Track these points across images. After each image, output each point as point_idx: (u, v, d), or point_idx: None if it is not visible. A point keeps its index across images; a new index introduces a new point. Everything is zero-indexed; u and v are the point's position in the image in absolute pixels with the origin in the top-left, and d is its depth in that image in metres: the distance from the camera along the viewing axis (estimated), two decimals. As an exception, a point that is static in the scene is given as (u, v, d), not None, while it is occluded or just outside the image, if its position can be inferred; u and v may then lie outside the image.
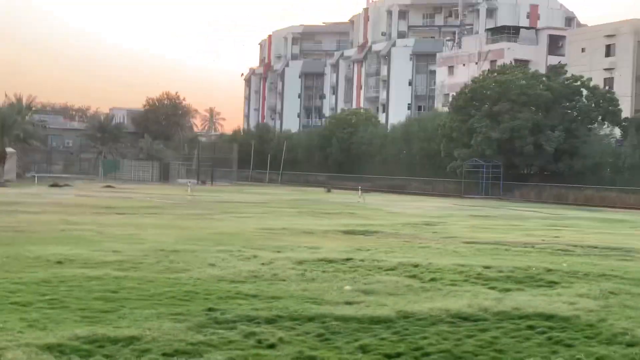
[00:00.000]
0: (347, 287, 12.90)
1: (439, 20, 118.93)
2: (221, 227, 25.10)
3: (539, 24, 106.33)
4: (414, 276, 14.65)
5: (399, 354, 8.66)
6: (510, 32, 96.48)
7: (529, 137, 60.38)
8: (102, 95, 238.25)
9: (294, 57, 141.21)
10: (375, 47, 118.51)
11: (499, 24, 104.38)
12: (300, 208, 38.42)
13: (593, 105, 62.82)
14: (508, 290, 13.23)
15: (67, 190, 53.09)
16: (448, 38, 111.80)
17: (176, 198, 44.35)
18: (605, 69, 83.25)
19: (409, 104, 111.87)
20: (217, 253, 17.19)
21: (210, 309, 10.62)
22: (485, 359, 8.67)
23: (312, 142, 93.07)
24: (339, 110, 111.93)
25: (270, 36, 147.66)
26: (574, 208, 50.96)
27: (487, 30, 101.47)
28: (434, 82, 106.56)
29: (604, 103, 62.60)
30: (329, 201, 48.62)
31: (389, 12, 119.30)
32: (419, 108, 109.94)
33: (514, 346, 9.22)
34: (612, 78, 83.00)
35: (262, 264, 15.64)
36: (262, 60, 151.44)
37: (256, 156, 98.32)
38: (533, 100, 61.13)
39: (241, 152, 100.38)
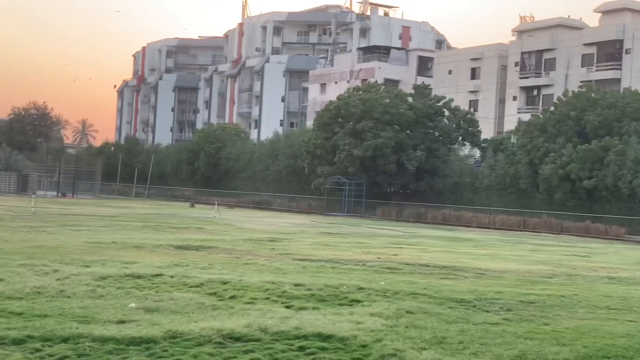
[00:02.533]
0: (132, 305, 12.20)
1: (313, 37, 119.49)
2: (46, 240, 23.94)
3: (411, 45, 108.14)
4: (214, 293, 14.07)
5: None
6: (381, 52, 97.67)
7: (391, 156, 60.81)
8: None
9: (168, 70, 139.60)
10: (249, 63, 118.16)
11: (372, 44, 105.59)
12: (147, 222, 37.34)
13: (454, 125, 63.82)
14: (303, 308, 12.79)
15: None
16: (321, 56, 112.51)
17: (21, 210, 42.53)
18: (470, 91, 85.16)
19: (281, 121, 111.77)
20: (17, 267, 16.19)
21: (-46, 329, 9.73)
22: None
23: (181, 157, 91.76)
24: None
25: (144, 48, 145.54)
26: (430, 227, 51.49)
27: (359, 49, 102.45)
28: (307, 99, 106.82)
29: (464, 124, 63.68)
30: (186, 216, 47.66)
31: (264, 28, 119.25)
32: (292, 125, 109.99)
33: (271, 369, 8.69)
34: (477, 100, 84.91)
35: (58, 279, 14.76)
36: (135, 73, 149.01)
37: (124, 169, 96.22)
38: (396, 119, 61.63)
39: (109, 165, 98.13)
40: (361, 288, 15.68)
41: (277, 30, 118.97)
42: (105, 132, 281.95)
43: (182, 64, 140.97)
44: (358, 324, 11.39)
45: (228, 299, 13.53)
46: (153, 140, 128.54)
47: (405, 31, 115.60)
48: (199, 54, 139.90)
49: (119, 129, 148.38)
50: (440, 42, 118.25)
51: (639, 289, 18.90)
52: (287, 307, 12.96)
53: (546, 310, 14.24)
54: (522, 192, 55.58)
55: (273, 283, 15.63)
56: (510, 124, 72.84)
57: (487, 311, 13.76)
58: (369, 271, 19.76)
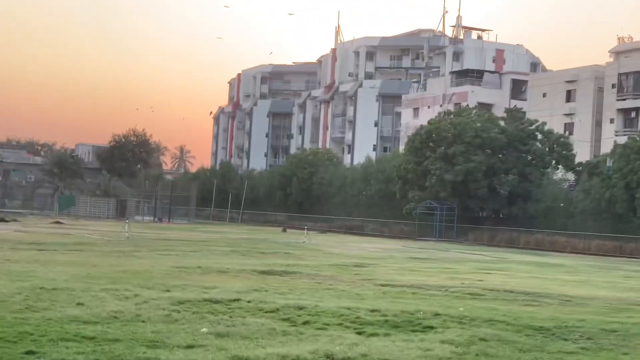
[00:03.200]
0: (204, 330, 12.32)
1: (406, 62, 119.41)
2: (134, 265, 24.43)
3: (505, 69, 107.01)
4: (287, 319, 14.11)
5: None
6: (474, 76, 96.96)
7: (483, 180, 60.19)
8: (69, 131, 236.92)
9: (263, 96, 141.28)
10: (342, 88, 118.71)
11: (465, 67, 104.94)
12: (236, 247, 37.74)
13: (547, 149, 62.80)
14: (374, 335, 12.71)
15: (10, 225, 52.12)
16: (414, 80, 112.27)
17: (115, 235, 43.52)
18: (565, 114, 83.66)
19: (374, 145, 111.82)
20: (99, 292, 16.54)
21: (28, 352, 9.99)
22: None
23: (274, 182, 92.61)
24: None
25: (239, 75, 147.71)
26: (522, 252, 50.67)
27: (452, 73, 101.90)
28: (400, 124, 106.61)
29: (558, 147, 62.62)
30: (276, 241, 48.02)
31: (357, 53, 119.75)
32: (385, 149, 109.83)
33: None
34: (572, 123, 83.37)
35: (136, 303, 15.02)
36: (231, 99, 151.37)
37: (218, 195, 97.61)
38: (487, 143, 61.01)
39: (204, 191, 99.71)
40: (438, 314, 15.51)
41: (370, 55, 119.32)
42: (202, 157, 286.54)
43: (276, 89, 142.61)
44: (427, 351, 11.28)
45: (300, 325, 13.54)
46: (248, 166, 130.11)
47: (499, 54, 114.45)
48: (292, 79, 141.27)
49: (214, 155, 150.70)
50: (535, 65, 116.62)
51: None
52: (359, 333, 12.90)
53: (628, 339, 13.82)
54: (618, 216, 54.21)
55: (349, 309, 15.58)
56: (606, 147, 71.22)
57: (566, 339, 13.44)
58: (450, 297, 19.55)
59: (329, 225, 76.11)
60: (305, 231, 53.20)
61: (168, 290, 17.50)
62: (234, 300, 16.29)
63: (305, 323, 13.72)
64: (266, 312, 14.92)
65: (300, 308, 15.49)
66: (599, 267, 37.42)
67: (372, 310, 15.49)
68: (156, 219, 79.13)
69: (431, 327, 13.81)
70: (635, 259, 47.11)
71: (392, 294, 19.62)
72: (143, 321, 13.05)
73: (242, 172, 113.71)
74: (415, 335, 12.87)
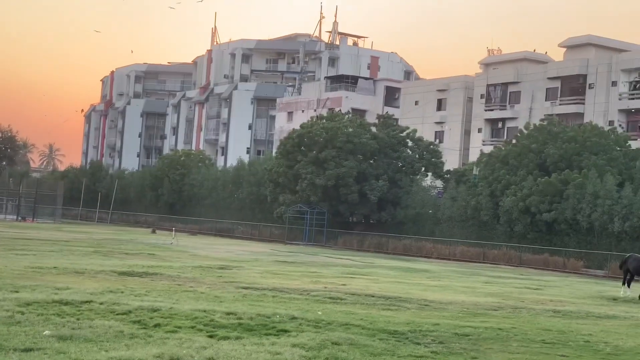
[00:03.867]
0: (46, 332, 11.77)
1: (282, 65, 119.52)
2: (-16, 264, 23.38)
3: (379, 75, 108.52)
4: (138, 321, 13.68)
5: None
6: (349, 81, 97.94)
7: (354, 185, 60.65)
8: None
9: (137, 95, 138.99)
10: (217, 90, 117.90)
11: (340, 73, 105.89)
12: (100, 248, 36.80)
13: (417, 156, 63.80)
14: (225, 338, 12.42)
15: None
16: (289, 84, 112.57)
17: (-27, 233, 41.86)
18: (436, 122, 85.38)
19: (248, 148, 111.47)
20: (-60, 292, 15.70)
21: None
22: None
23: (145, 182, 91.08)
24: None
25: (112, 72, 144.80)
26: (390, 257, 51.30)
27: (327, 78, 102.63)
28: (274, 127, 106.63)
29: (427, 155, 63.70)
30: (143, 242, 47.08)
31: (233, 55, 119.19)
32: (259, 152, 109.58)
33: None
34: (443, 131, 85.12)
35: (-21, 305, 14.29)
36: (103, 97, 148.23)
37: (87, 194, 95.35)
38: (359, 148, 61.53)
39: (73, 190, 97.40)
40: (294, 318, 15.37)
41: (246, 58, 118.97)
42: (72, 156, 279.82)
43: (150, 89, 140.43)
44: (276, 354, 11.08)
45: (151, 327, 13.14)
46: (120, 165, 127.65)
47: (374, 61, 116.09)
48: (168, 79, 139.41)
49: (85, 154, 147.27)
50: (409, 73, 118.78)
51: (581, 323, 18.73)
52: (210, 336, 12.60)
53: (479, 344, 14.00)
54: (483, 224, 55.57)
55: (204, 311, 15.27)
56: (475, 156, 72.85)
57: (418, 343, 13.48)
58: (310, 301, 19.45)
59: (199, 227, 75.33)
60: (173, 232, 52.52)
61: (16, 291, 16.78)
62: (86, 302, 15.74)
63: (156, 326, 13.34)
64: (117, 314, 14.45)
65: (155, 310, 15.09)
66: (462, 273, 38.16)
67: (228, 313, 15.23)
68: (20, 218, 76.54)
69: (285, 331, 13.64)
70: (496, 265, 48.30)
71: (252, 297, 19.38)
72: (-18, 323, 12.40)
73: (112, 171, 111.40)
74: (268, 338, 12.67)
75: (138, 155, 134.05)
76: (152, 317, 14.23)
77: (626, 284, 28.95)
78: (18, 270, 22.23)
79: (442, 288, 27.07)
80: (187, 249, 41.59)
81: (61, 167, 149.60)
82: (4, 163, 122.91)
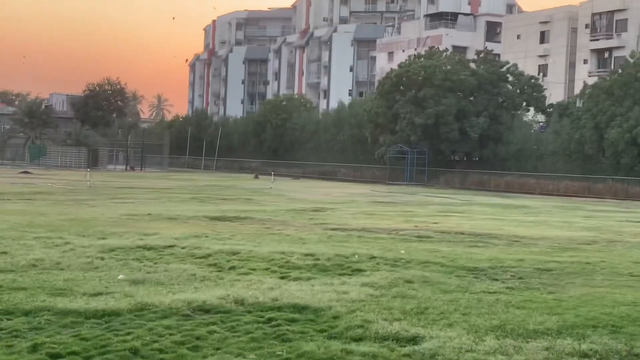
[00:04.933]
0: (121, 277, 12.03)
1: (381, 6, 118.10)
2: (82, 213, 24.06)
3: (480, 10, 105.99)
4: (215, 264, 13.89)
5: (73, 352, 7.76)
6: (448, 19, 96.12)
7: (454, 123, 59.87)
8: (43, 81, 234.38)
9: (238, 42, 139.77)
10: (317, 33, 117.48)
11: (440, 10, 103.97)
12: (198, 194, 37.41)
13: (518, 91, 62.42)
14: (298, 279, 12.46)
15: (-25, 176, 51.55)
16: (389, 24, 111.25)
17: (79, 184, 43.03)
18: (539, 56, 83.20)
19: (350, 90, 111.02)
20: (30, 240, 16.21)
21: None
22: (171, 357, 7.81)
23: (248, 129, 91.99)
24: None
25: (214, 21, 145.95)
26: (492, 194, 50.58)
27: (426, 16, 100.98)
28: (375, 68, 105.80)
29: (528, 89, 62.24)
30: (243, 187, 47.68)
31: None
32: (360, 94, 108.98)
33: (222, 340, 8.39)
34: (547, 65, 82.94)
35: (63, 251, 14.71)
36: (206, 46, 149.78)
37: (193, 143, 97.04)
38: (457, 86, 60.56)
39: (180, 139, 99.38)
40: (373, 257, 15.29)
41: (345, 0, 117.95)
42: (180, 106, 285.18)
43: (251, 36, 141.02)
44: (343, 294, 11.02)
45: (226, 270, 13.28)
46: (225, 113, 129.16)
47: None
48: (268, 25, 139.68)
49: (191, 103, 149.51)
50: (510, 6, 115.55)
51: (678, 254, 18.06)
52: (282, 277, 12.65)
53: (560, 278, 13.65)
54: (587, 157, 54.15)
55: (283, 253, 15.34)
56: (580, 88, 70.93)
57: (496, 279, 13.24)
58: (396, 240, 19.34)
59: (302, 171, 75.78)
60: (272, 177, 52.94)
61: (104, 238, 17.19)
62: (169, 246, 16.03)
63: (231, 268, 13.47)
64: (197, 257, 14.67)
65: (234, 253, 15.24)
66: (563, 208, 37.36)
67: (306, 255, 15.25)
68: (128, 168, 78.55)
69: (360, 270, 13.58)
70: (601, 199, 47.11)
71: (337, 238, 19.37)
72: (61, 269, 12.75)
73: (218, 119, 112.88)
74: (339, 278, 12.63)
75: (242, 102, 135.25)
76: (229, 260, 14.37)
77: None
78: (113, 218, 22.78)
79: (537, 224, 26.52)
80: (285, 193, 41.89)
81: (169, 117, 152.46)
82: (114, 115, 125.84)
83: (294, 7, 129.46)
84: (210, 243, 16.84)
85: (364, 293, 11.14)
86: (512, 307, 10.61)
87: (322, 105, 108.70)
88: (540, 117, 62.86)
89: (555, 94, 74.15)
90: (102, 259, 13.91)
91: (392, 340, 8.62)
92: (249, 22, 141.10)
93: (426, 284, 12.36)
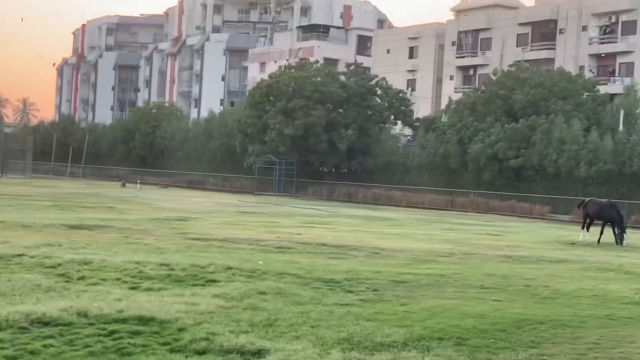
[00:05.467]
0: (-41, 287, 11.43)
1: (254, 16, 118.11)
2: None
3: (352, 24, 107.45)
4: (64, 274, 13.39)
5: None
6: (320, 31, 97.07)
7: (322, 135, 60.25)
8: None
9: (109, 48, 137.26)
10: (190, 41, 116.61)
11: (313, 22, 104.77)
12: (59, 201, 36.31)
13: (386, 104, 63.37)
14: (149, 289, 12.14)
15: None
16: (262, 34, 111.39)
17: None
18: (408, 71, 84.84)
19: (221, 100, 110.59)
20: None
21: None
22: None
23: (117, 136, 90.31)
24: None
25: (84, 25, 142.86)
26: (359, 206, 51.10)
27: (298, 27, 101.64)
28: (247, 78, 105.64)
29: (396, 103, 63.26)
30: (108, 195, 46.59)
31: (204, 6, 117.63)
32: (232, 104, 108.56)
33: (58, 355, 8.04)
34: (415, 80, 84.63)
35: None
36: (75, 50, 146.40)
37: (59, 149, 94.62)
38: (328, 97, 61.01)
39: (44, 145, 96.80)
40: (229, 267, 15.10)
41: (218, 9, 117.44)
42: (47, 110, 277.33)
43: (122, 42, 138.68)
44: (193, 305, 10.80)
45: (75, 281, 12.84)
46: (93, 119, 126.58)
47: (347, 10, 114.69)
48: (140, 32, 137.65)
49: (58, 108, 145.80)
50: (382, 22, 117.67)
51: (529, 267, 18.59)
52: (132, 288, 12.31)
53: (414, 290, 13.78)
54: (452, 171, 55.41)
55: (137, 263, 14.97)
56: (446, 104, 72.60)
57: (351, 292, 13.24)
58: (256, 250, 19.18)
59: (171, 180, 74.91)
60: (138, 185, 52.13)
61: (-52, 246, 16.40)
62: (17, 255, 15.44)
63: (80, 279, 13.04)
64: (45, 267, 14.16)
65: (86, 263, 14.78)
66: (426, 220, 38.03)
67: (161, 265, 14.94)
68: (-12, 174, 75.78)
69: (214, 281, 13.37)
70: (464, 213, 48.24)
71: (196, 247, 19.09)
72: None
73: (84, 125, 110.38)
74: (191, 289, 12.39)
75: (112, 109, 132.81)
76: (79, 269, 13.93)
77: (585, 228, 28.86)
78: (-38, 225, 21.81)
79: (399, 236, 26.87)
80: (151, 202, 41.18)
81: (35, 122, 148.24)
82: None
83: (166, 14, 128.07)
84: (62, 252, 16.28)
85: (215, 304, 10.95)
86: (362, 319, 10.61)
87: (194, 114, 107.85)
88: (408, 131, 63.97)
89: (423, 109, 75.68)
90: (-57, 268, 13.24)
91: (237, 353, 8.47)
92: (120, 28, 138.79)
93: (279, 295, 12.25)
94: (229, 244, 20.48)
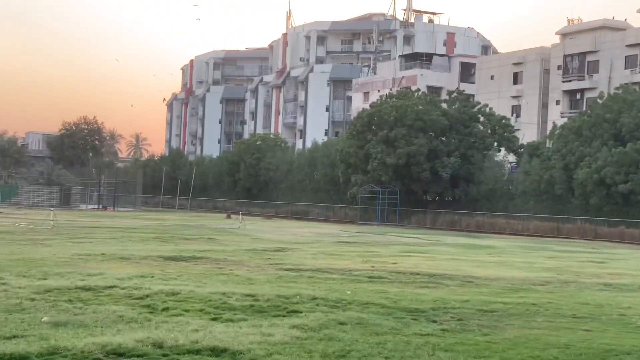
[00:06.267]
0: (45, 319, 11.69)
1: (357, 46, 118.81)
2: (34, 252, 23.68)
3: (456, 52, 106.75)
4: (149, 305, 13.54)
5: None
6: (423, 59, 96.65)
7: (425, 163, 59.86)
8: (20, 119, 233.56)
9: (216, 82, 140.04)
10: (294, 73, 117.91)
11: (416, 51, 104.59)
12: (163, 234, 37.00)
13: (489, 131, 62.58)
14: (230, 320, 12.16)
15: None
16: (365, 64, 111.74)
17: (42, 223, 42.53)
18: (512, 97, 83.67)
19: (326, 130, 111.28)
20: (-36, 281, 15.83)
21: None
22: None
23: (222, 168, 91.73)
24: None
25: (192, 61, 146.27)
26: (462, 234, 50.47)
27: (401, 56, 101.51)
28: (351, 108, 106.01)
29: (499, 129, 62.41)
30: (210, 227, 47.28)
31: (308, 38, 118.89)
32: (336, 134, 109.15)
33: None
34: (519, 105, 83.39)
35: (-4, 292, 14.35)
36: (184, 85, 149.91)
37: (168, 182, 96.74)
38: (429, 125, 60.64)
39: (155, 178, 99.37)
40: (315, 298, 15.04)
41: (321, 40, 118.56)
42: (157, 145, 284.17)
43: (229, 75, 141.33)
44: (267, 336, 10.76)
45: (159, 312, 12.97)
46: (201, 152, 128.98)
47: (450, 37, 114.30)
48: (245, 65, 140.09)
49: (168, 142, 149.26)
50: (486, 48, 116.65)
51: (628, 296, 17.93)
52: (214, 319, 12.35)
53: (501, 320, 13.44)
54: (557, 197, 54.17)
55: (223, 294, 15.05)
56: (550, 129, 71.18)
57: (435, 321, 12.99)
58: (347, 280, 19.07)
59: (275, 210, 75.54)
60: (240, 217, 52.65)
61: (44, 279, 16.85)
62: (109, 287, 15.71)
63: (164, 310, 13.16)
64: (133, 298, 14.36)
65: (174, 294, 14.95)
66: (528, 248, 37.21)
67: (247, 295, 14.99)
68: (100, 207, 77.99)
69: (296, 312, 13.31)
70: (570, 240, 47.05)
71: (287, 278, 19.09)
72: (-14, 311, 12.40)
73: (194, 159, 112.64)
74: (271, 320, 12.35)
75: (219, 142, 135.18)
76: (165, 300, 14.07)
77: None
78: (63, 258, 22.40)
79: (497, 264, 26.35)
80: (252, 233, 41.57)
81: (147, 157, 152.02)
82: (90, 155, 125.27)
83: (271, 47, 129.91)
84: (152, 284, 16.51)
85: (290, 335, 10.89)
86: (439, 349, 10.39)
87: (299, 145, 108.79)
88: (511, 158, 62.97)
89: (528, 135, 74.52)
90: (33, 299, 13.58)
91: (304, 384, 8.37)
92: (226, 62, 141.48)
93: (359, 325, 12.11)
94: (320, 274, 20.42)
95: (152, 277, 17.95)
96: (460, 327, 12.43)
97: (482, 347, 10.73)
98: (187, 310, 13.07)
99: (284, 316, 12.88)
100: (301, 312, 13.22)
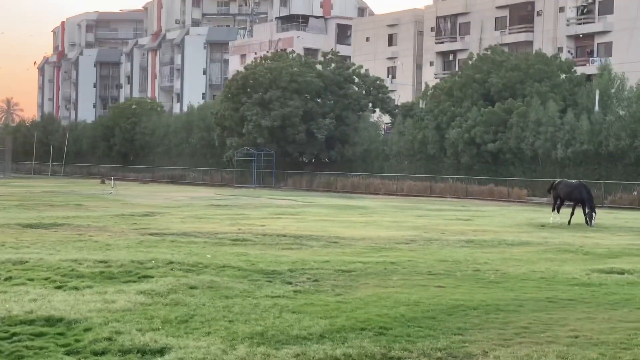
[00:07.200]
0: None
1: (233, 8, 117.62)
2: None
3: (332, 13, 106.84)
4: (-11, 275, 12.88)
5: None
6: (299, 21, 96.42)
7: (300, 125, 59.77)
8: None
9: (89, 45, 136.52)
10: (169, 35, 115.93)
11: (292, 13, 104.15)
12: (27, 201, 35.79)
13: (364, 92, 62.91)
14: (75, 288, 11.67)
15: None
16: (242, 26, 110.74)
17: None
18: (388, 58, 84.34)
19: (203, 94, 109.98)
20: None
21: None
22: None
23: (97, 133, 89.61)
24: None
25: (63, 23, 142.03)
26: (337, 195, 50.72)
27: (278, 18, 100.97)
28: (228, 71, 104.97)
29: (374, 90, 62.79)
30: (81, 193, 46.06)
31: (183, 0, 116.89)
32: (213, 97, 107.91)
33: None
34: (395, 67, 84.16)
35: None
36: (55, 48, 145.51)
37: (40, 148, 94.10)
38: (304, 87, 60.51)
39: (26, 144, 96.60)
40: (171, 262, 14.67)
41: (197, 2, 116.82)
42: (30, 110, 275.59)
43: (103, 38, 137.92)
44: (110, 303, 10.37)
45: (1, 281, 12.36)
46: (76, 117, 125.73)
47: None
48: (119, 27, 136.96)
49: (41, 107, 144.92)
50: (362, 10, 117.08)
51: (487, 252, 18.23)
52: (58, 287, 11.83)
53: (358, 279, 13.38)
54: (430, 157, 55.02)
55: (75, 261, 14.52)
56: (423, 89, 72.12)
57: (289, 283, 12.82)
58: (209, 244, 18.75)
59: (152, 175, 74.44)
60: (112, 182, 51.57)
61: None
62: (-51, 258, 14.92)
63: (7, 279, 12.56)
64: (-25, 269, 13.65)
65: (22, 262, 14.35)
66: (400, 208, 37.57)
67: (100, 262, 14.49)
68: (-33, 175, 75.23)
69: (148, 277, 12.93)
70: (443, 198, 47.84)
71: (147, 243, 18.63)
72: None
73: (67, 124, 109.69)
74: (118, 286, 11.91)
75: (94, 106, 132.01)
76: (10, 270, 13.46)
77: (556, 210, 28.53)
78: None
79: (366, 224, 26.48)
80: (124, 198, 40.70)
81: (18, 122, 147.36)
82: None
83: (145, 9, 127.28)
84: (1, 252, 15.80)
85: (134, 301, 10.52)
86: (287, 311, 10.19)
87: (176, 109, 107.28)
88: (386, 119, 63.53)
89: (404, 96, 75.36)
90: None
91: (137, 352, 8.06)
92: (99, 24, 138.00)
93: (210, 289, 11.82)
94: (184, 237, 20.05)
95: (3, 245, 17.20)
96: (314, 288, 12.29)
97: (331, 307, 10.59)
98: (31, 279, 12.51)
99: (134, 282, 12.48)
100: (152, 277, 12.84)
